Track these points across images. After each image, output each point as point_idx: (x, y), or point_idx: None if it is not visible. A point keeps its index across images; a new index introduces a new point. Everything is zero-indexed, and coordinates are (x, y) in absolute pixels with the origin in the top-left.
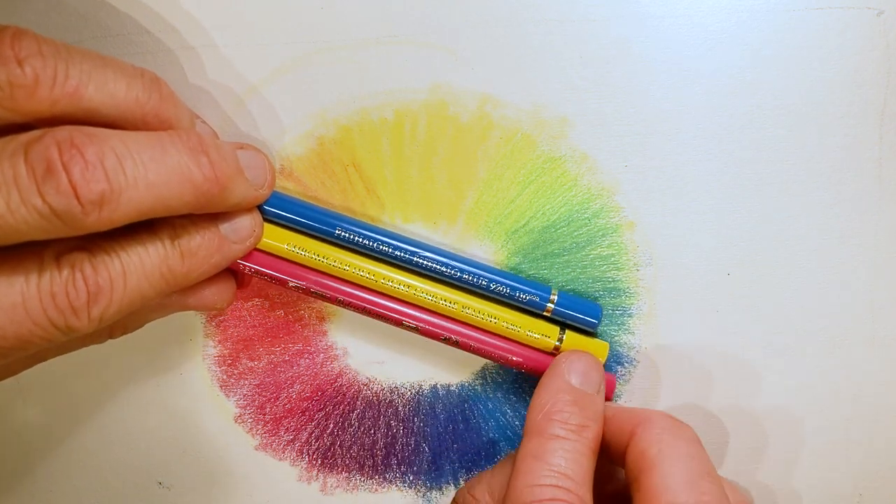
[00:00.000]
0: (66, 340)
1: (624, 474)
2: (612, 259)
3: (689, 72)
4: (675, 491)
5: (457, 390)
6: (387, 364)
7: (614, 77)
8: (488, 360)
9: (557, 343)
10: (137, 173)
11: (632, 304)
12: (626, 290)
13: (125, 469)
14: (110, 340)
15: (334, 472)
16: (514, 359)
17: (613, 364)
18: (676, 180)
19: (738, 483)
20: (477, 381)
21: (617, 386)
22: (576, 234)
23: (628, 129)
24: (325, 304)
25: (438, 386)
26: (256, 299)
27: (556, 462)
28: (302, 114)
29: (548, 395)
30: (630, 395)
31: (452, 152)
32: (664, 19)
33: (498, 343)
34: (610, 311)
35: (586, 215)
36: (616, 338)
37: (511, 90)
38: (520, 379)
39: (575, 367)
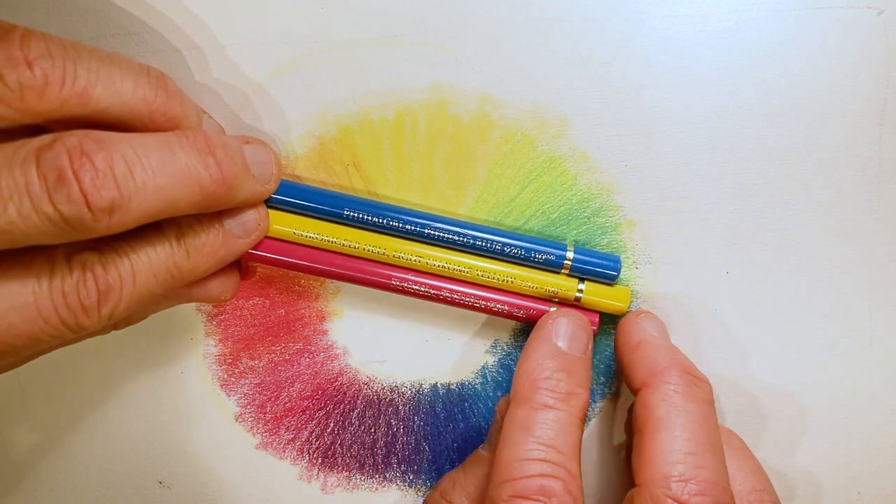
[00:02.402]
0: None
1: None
2: None
3: (689, 72)
4: (673, 461)
5: (457, 389)
6: (387, 363)
7: (614, 77)
8: (501, 331)
9: (578, 294)
10: (146, 178)
11: (631, 302)
12: None
13: (126, 468)
14: (112, 340)
15: (335, 471)
16: (518, 313)
17: (612, 362)
18: (676, 179)
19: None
20: (477, 380)
21: (615, 383)
22: (575, 232)
23: (628, 129)
24: (325, 302)
25: (438, 385)
26: (257, 298)
27: (544, 434)
28: (303, 113)
29: (534, 361)
30: (629, 393)
31: (453, 152)
32: (664, 19)
33: (518, 302)
34: None
35: (586, 214)
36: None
37: (511, 90)
38: None
39: (562, 330)
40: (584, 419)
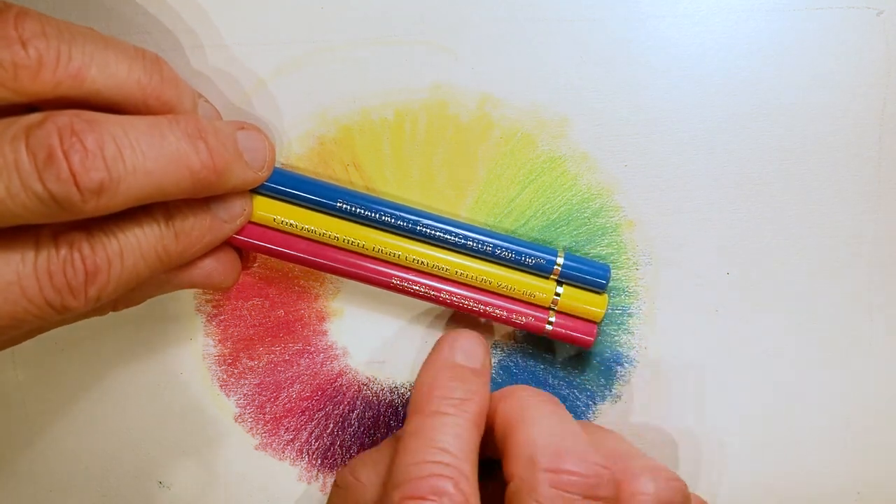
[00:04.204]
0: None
1: (498, 453)
2: (612, 258)
3: (689, 72)
4: (539, 443)
5: None
6: (387, 364)
7: (614, 77)
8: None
9: (555, 297)
10: (136, 161)
11: (631, 303)
12: (626, 289)
13: (126, 469)
14: (111, 340)
15: (334, 471)
16: (511, 317)
17: (612, 363)
18: (676, 180)
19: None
20: None
21: (616, 386)
22: (575, 233)
23: (628, 129)
24: (325, 302)
25: None
26: (256, 299)
27: (437, 438)
28: (302, 113)
29: (429, 373)
30: (630, 395)
31: (452, 152)
32: (665, 19)
33: (491, 300)
34: (609, 310)
35: (586, 214)
36: (615, 337)
37: (511, 90)
38: (519, 380)
39: (458, 344)
40: (480, 426)
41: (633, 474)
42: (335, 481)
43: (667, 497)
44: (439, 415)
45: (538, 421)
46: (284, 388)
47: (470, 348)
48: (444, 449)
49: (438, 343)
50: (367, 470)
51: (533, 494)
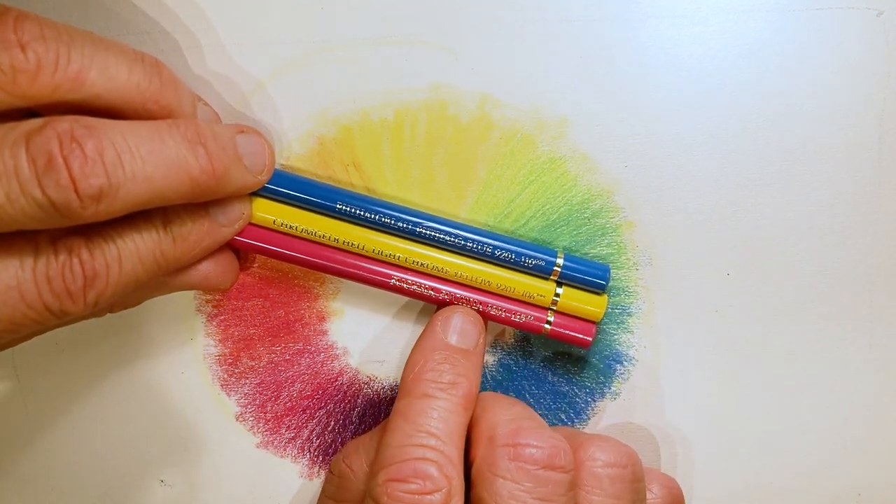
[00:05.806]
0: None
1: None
2: (612, 258)
3: (688, 72)
4: (499, 425)
5: None
6: (387, 363)
7: (614, 77)
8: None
9: (555, 298)
10: (136, 167)
11: (631, 302)
12: (626, 289)
13: (127, 467)
14: (112, 340)
15: None
16: (510, 316)
17: (612, 362)
18: (676, 180)
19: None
20: None
21: (616, 383)
22: (575, 233)
23: (628, 129)
24: (325, 302)
25: None
26: (257, 299)
27: (424, 421)
28: (303, 113)
29: (420, 355)
30: (629, 393)
31: (452, 152)
32: (664, 19)
33: (490, 300)
34: (609, 309)
35: (586, 215)
36: (615, 335)
37: (511, 90)
38: (519, 377)
39: (451, 324)
40: (469, 408)
41: (583, 444)
42: (329, 468)
43: (616, 459)
44: (427, 398)
45: (498, 409)
46: (285, 387)
47: (463, 328)
48: (430, 432)
49: (432, 321)
50: (359, 457)
51: (493, 469)
